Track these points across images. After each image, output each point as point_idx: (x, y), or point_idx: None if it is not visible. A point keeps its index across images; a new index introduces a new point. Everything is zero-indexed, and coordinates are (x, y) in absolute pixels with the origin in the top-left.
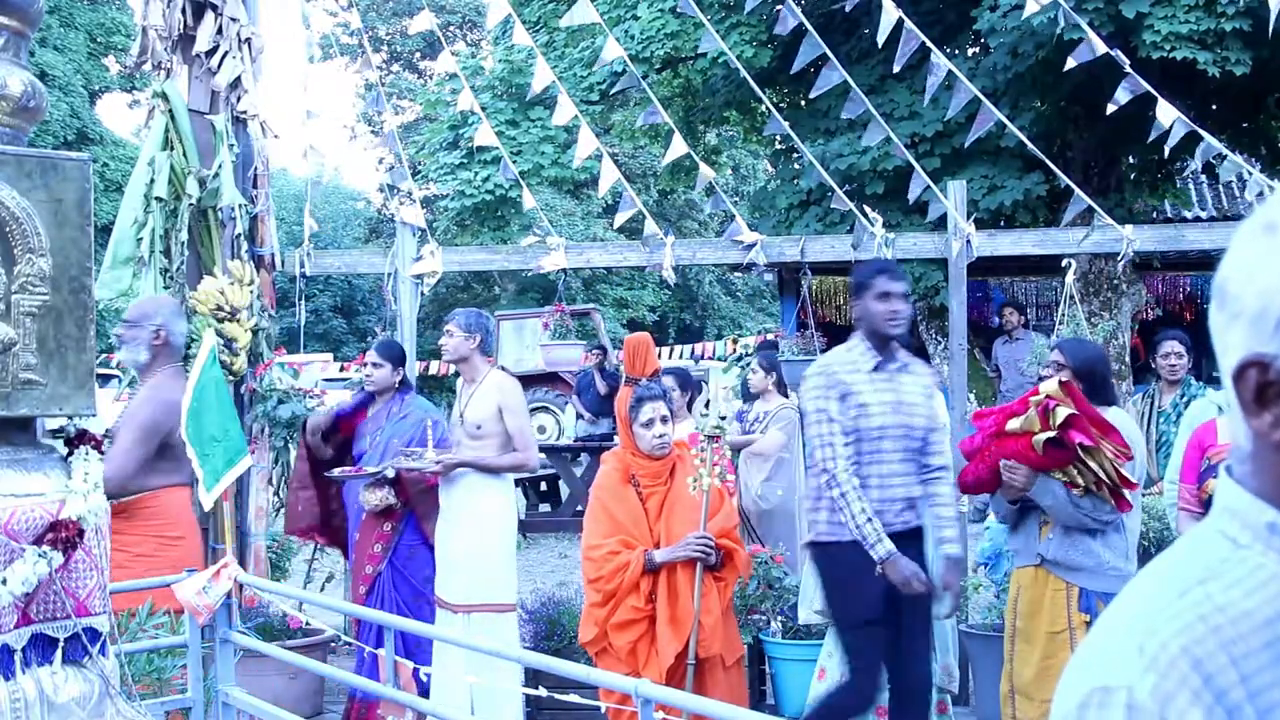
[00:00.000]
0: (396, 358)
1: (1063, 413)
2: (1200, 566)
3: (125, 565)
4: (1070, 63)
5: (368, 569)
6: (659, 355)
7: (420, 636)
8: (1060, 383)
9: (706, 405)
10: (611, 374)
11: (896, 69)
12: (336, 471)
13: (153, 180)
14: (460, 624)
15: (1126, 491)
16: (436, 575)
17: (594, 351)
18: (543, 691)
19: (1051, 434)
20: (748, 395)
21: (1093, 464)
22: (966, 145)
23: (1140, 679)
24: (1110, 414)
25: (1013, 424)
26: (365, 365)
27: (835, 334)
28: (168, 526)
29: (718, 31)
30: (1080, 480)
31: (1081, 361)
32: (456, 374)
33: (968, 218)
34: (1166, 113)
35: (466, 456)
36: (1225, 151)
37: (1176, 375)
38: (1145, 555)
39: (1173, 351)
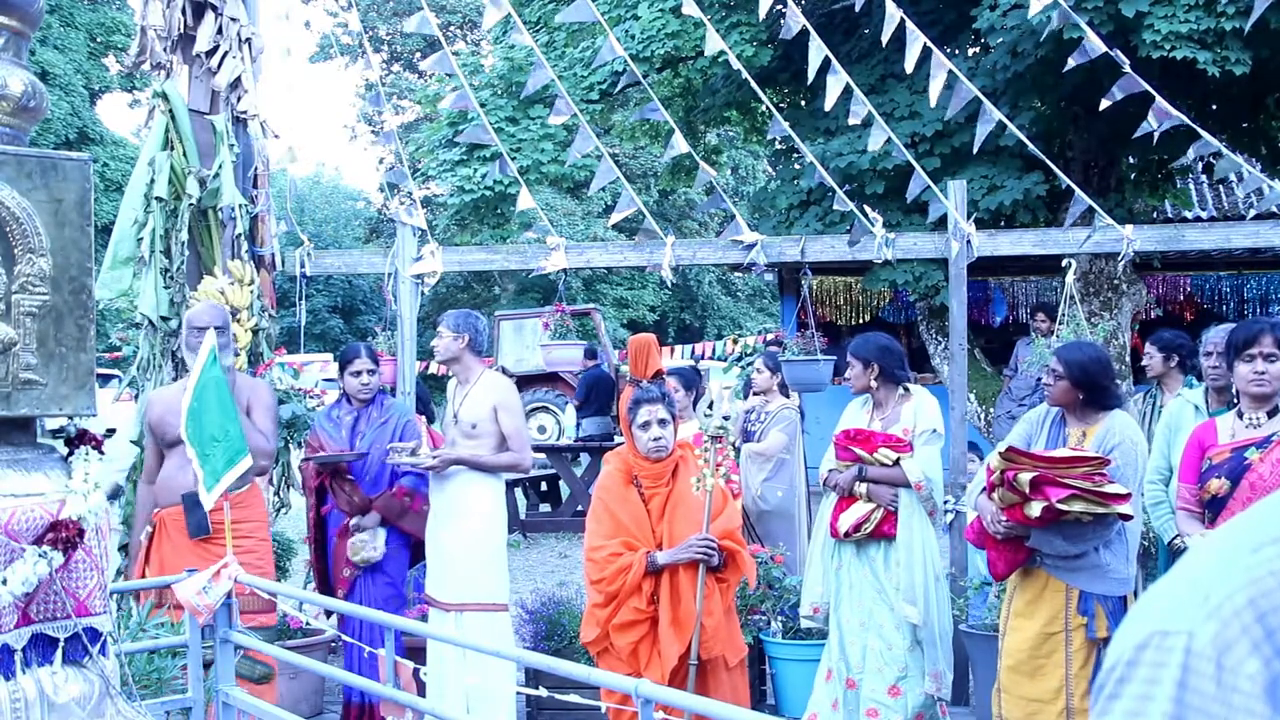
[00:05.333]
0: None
1: (1026, 479)
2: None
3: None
4: (1071, 62)
5: (345, 573)
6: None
7: (402, 635)
8: (1000, 453)
9: (710, 406)
10: (598, 376)
11: (909, 70)
12: (319, 454)
13: (153, 180)
14: (452, 623)
15: (1122, 506)
16: (427, 575)
17: (586, 355)
18: (543, 691)
19: (1043, 503)
20: (749, 396)
21: (1078, 506)
22: (973, 149)
23: (1202, 625)
24: (1113, 417)
25: (994, 501)
26: (360, 374)
27: (835, 334)
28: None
29: (718, 31)
30: (1082, 518)
31: (1077, 369)
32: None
33: (968, 218)
34: (1159, 112)
35: (463, 454)
36: (1221, 149)
37: (1152, 373)
38: (1145, 554)
39: (1146, 353)
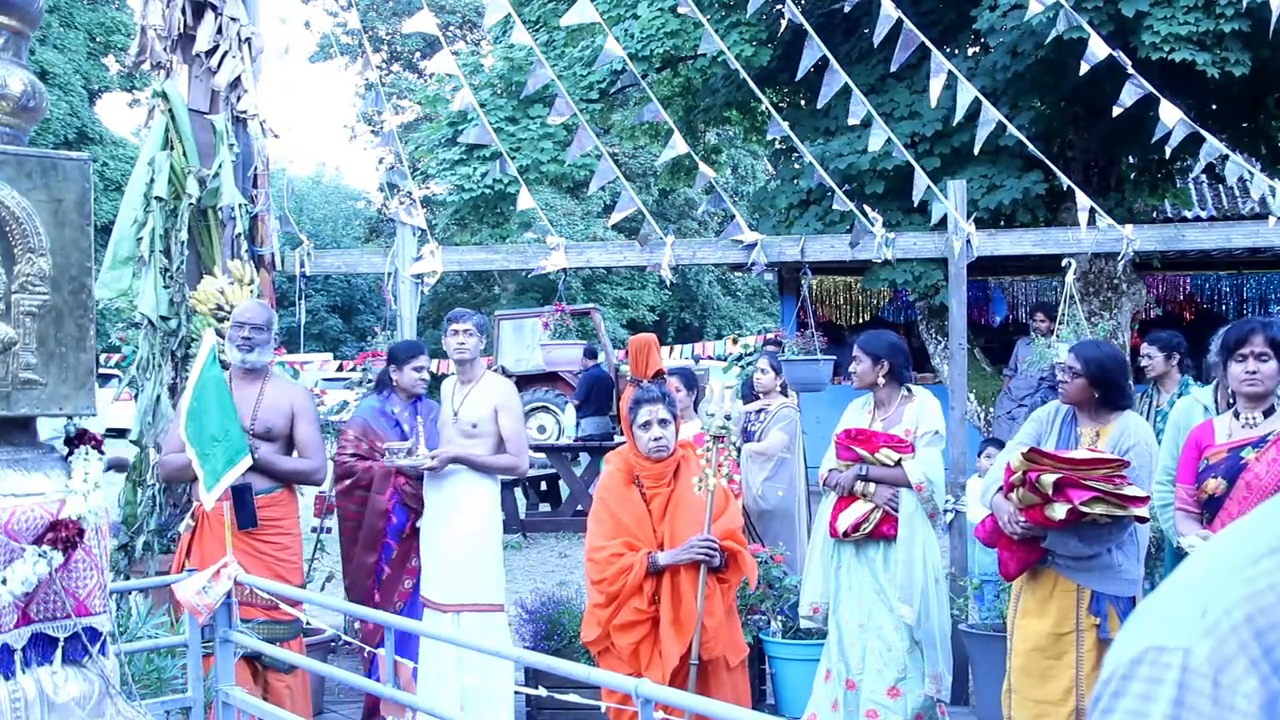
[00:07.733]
0: None
1: (1049, 480)
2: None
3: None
4: (1084, 67)
5: (405, 584)
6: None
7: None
8: (1023, 454)
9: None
10: (598, 376)
11: (894, 69)
12: (402, 460)
13: (153, 180)
14: (449, 624)
15: (1139, 509)
16: (422, 575)
17: (586, 355)
18: (543, 691)
19: (1067, 506)
20: (749, 395)
21: (1099, 509)
22: (974, 149)
23: (1198, 642)
24: (1126, 418)
25: (1012, 502)
26: (421, 370)
27: (835, 334)
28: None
29: (717, 31)
30: (1100, 520)
31: (1095, 367)
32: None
33: (967, 217)
34: (1169, 113)
35: (461, 453)
36: (1228, 153)
37: (1152, 373)
38: (1147, 555)
39: (1145, 354)
